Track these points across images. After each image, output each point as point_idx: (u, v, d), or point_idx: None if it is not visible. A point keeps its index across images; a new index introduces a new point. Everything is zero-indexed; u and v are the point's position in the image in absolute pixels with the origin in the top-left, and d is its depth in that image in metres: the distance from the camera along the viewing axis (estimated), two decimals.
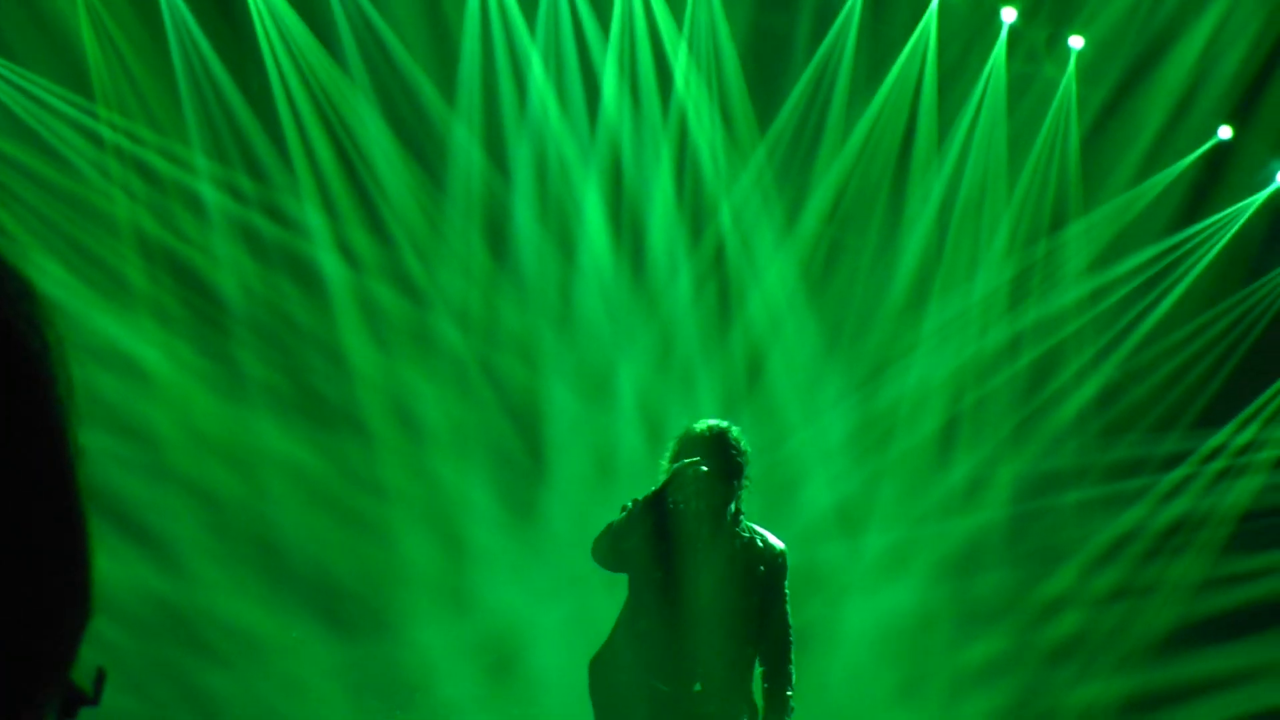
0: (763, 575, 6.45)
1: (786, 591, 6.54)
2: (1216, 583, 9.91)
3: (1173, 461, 10.17)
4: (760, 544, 6.47)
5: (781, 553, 6.53)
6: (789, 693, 6.44)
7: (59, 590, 0.89)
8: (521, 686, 9.44)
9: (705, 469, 6.32)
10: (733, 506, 6.39)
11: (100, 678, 0.96)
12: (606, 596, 9.28)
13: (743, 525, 6.47)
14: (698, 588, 6.37)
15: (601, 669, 6.55)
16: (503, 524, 9.77)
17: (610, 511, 9.31)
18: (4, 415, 0.88)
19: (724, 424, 6.43)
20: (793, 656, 6.50)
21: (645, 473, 9.73)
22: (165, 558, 9.41)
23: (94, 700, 0.95)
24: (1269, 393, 10.10)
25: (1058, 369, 10.24)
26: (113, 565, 8.87)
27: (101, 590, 0.93)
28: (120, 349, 9.57)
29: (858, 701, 9.59)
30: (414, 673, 9.52)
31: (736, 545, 6.41)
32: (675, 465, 6.31)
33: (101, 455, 9.27)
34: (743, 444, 6.38)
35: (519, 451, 9.97)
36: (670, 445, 6.41)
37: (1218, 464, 10.07)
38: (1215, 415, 10.16)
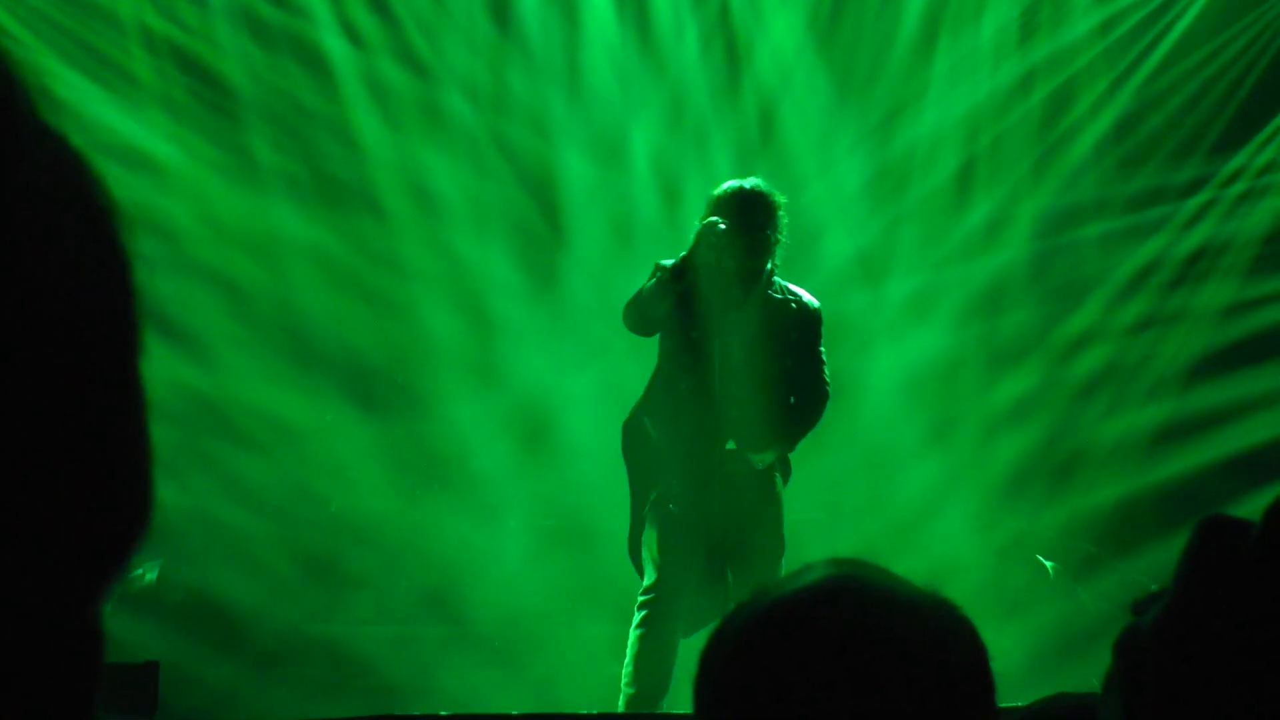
0: (794, 341, 6.44)
1: (822, 350, 6.53)
2: (1243, 306, 9.85)
3: (1193, 187, 10.07)
4: (794, 305, 6.44)
5: (816, 312, 6.49)
6: (789, 435, 6.48)
7: (121, 479, 0.85)
8: (554, 455, 9.50)
9: (723, 226, 6.30)
10: (768, 266, 6.37)
11: (153, 672, 0.95)
12: (633, 362, 9.28)
13: (776, 286, 6.45)
14: (730, 351, 6.37)
15: (634, 431, 6.58)
16: (525, 295, 9.78)
17: (631, 276, 9.36)
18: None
19: (752, 181, 6.38)
20: (817, 416, 6.49)
21: (663, 236, 9.72)
22: (194, 350, 9.46)
23: (152, 708, 0.93)
24: None
25: (1072, 102, 10.12)
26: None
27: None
28: (134, 145, 9.59)
29: (889, 448, 9.63)
30: (448, 447, 9.60)
31: (770, 307, 6.39)
32: (700, 225, 6.30)
33: None
34: (772, 200, 6.33)
35: (536, 222, 9.97)
36: (704, 208, 6.39)
37: (1239, 186, 9.96)
38: (1234, 138, 10.04)
